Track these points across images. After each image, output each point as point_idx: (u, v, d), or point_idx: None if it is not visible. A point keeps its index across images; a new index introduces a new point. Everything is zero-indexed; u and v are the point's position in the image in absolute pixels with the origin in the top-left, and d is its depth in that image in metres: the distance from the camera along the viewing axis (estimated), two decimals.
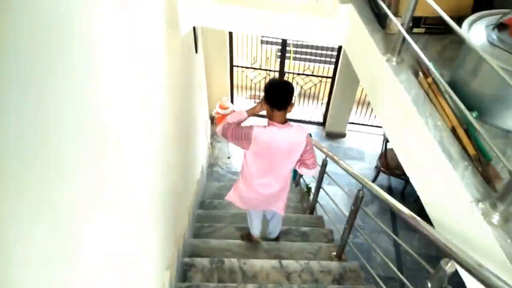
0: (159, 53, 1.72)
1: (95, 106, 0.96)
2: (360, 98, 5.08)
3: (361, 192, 2.08)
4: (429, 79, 1.44)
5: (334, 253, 2.49)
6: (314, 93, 5.21)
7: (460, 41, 1.53)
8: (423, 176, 1.39)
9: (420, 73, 1.50)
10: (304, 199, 3.42)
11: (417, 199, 3.83)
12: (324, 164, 2.74)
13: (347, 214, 2.25)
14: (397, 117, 1.58)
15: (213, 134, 5.11)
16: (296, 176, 3.85)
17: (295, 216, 3.02)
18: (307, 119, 5.46)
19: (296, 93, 6.17)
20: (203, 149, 3.91)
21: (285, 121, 1.79)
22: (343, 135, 5.18)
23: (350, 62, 2.11)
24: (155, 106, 1.68)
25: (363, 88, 5.00)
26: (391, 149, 4.44)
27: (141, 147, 1.45)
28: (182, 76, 2.45)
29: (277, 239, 2.66)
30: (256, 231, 2.48)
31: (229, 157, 4.77)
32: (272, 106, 1.73)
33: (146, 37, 1.50)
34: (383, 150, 4.16)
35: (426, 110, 1.35)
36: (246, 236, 2.59)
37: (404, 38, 1.49)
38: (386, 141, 3.96)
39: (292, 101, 1.77)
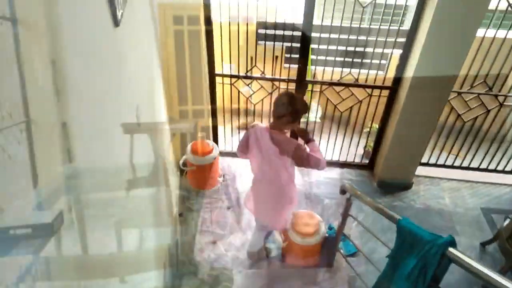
0: None
1: None
2: (447, 121, 2.97)
3: None
4: None
5: None
6: (357, 116, 3.09)
7: None
8: None
9: None
10: None
11: None
12: None
13: None
14: None
15: (183, 199, 2.89)
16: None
17: None
18: (341, 159, 3.33)
19: (318, 116, 3.89)
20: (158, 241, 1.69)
21: (279, 128, 1.90)
22: (408, 186, 3.06)
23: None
24: None
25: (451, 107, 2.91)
26: None
27: None
28: None
29: None
30: (253, 247, 2.35)
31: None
32: (272, 113, 1.89)
33: None
34: None
35: None
36: (251, 255, 2.42)
37: None
38: None
39: (290, 118, 1.82)
